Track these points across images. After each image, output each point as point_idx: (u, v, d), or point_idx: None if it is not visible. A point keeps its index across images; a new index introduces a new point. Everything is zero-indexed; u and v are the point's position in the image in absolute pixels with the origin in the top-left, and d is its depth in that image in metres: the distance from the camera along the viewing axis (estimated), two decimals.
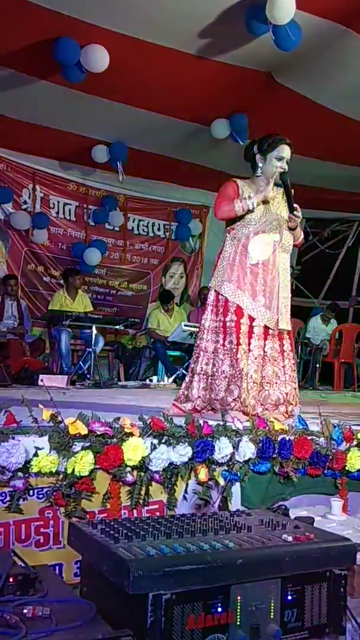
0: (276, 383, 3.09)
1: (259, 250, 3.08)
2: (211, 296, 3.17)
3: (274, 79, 5.85)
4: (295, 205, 3.08)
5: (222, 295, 3.09)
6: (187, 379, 3.24)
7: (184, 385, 3.26)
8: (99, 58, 5.23)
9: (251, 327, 3.05)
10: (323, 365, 8.09)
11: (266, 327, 3.07)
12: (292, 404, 3.10)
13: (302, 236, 3.34)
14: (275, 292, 3.09)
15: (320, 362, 8.06)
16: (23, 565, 1.69)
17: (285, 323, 3.12)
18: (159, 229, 8.95)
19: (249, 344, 3.04)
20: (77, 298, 7.09)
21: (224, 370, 3.04)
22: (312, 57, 5.33)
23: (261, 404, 3.04)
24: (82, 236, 8.24)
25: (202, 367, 3.13)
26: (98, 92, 5.95)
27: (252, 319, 3.05)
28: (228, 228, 3.17)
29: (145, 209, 8.76)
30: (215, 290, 3.14)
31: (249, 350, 3.03)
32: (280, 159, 3.09)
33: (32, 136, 6.88)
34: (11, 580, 1.55)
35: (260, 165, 3.13)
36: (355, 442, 2.70)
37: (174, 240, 9.03)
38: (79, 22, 4.95)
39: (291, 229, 3.16)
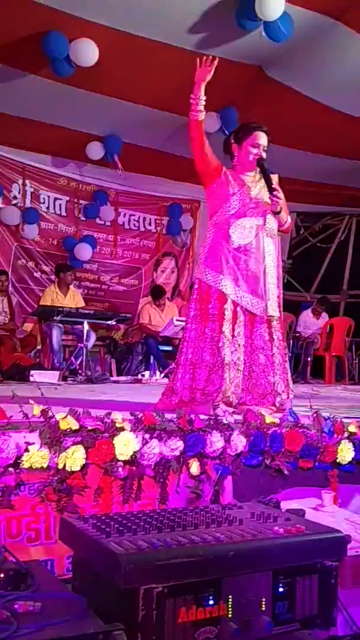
0: (263, 372, 3.05)
1: (240, 234, 3.06)
2: (196, 285, 3.16)
3: (264, 72, 5.84)
4: (274, 186, 3.05)
5: (204, 282, 3.07)
6: (173, 371, 3.21)
7: (171, 377, 3.22)
8: (88, 52, 5.21)
9: (235, 313, 3.01)
10: (314, 358, 8.12)
11: (252, 314, 3.04)
12: (280, 395, 3.05)
13: (289, 220, 3.28)
14: (261, 277, 3.06)
15: (312, 355, 8.08)
16: (14, 560, 1.69)
17: (273, 309, 3.08)
18: (150, 224, 8.93)
19: (233, 330, 3.00)
20: (69, 293, 7.06)
21: (204, 359, 3.00)
22: (302, 50, 5.33)
23: (249, 393, 3.02)
24: (72, 231, 8.21)
25: (187, 357, 3.09)
26: (88, 86, 5.92)
27: (235, 304, 3.02)
28: (211, 214, 3.16)
29: (137, 204, 8.74)
30: (198, 279, 3.13)
31: (233, 336, 3.00)
32: (255, 146, 3.07)
33: (21, 130, 6.83)
34: (2, 575, 1.55)
35: (235, 154, 3.14)
36: (346, 435, 2.71)
37: (165, 235, 9.02)
38: (68, 16, 4.93)
39: (276, 213, 3.12)
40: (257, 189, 3.13)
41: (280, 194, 3.09)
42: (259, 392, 3.04)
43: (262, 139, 3.10)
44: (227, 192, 3.08)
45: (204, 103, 3.02)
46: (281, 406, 3.03)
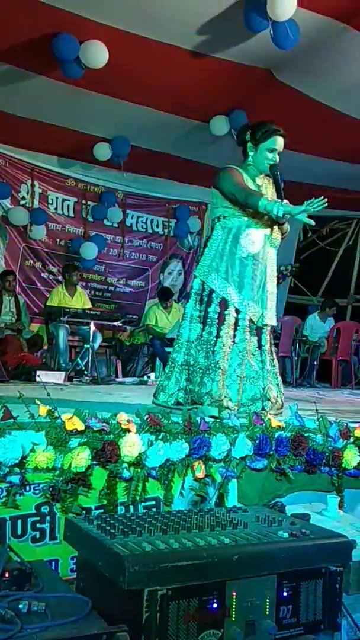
0: (253, 377, 3.04)
1: (250, 243, 3.04)
2: (196, 284, 3.12)
3: (274, 76, 5.84)
4: (285, 200, 3.03)
5: (207, 285, 3.05)
6: (166, 369, 3.17)
7: (162, 375, 3.18)
8: (97, 54, 5.22)
9: (237, 320, 3.01)
10: (321, 362, 8.09)
11: (251, 321, 3.04)
12: (270, 401, 3.03)
13: (288, 230, 3.26)
14: (262, 286, 3.07)
15: (318, 359, 8.06)
16: (19, 560, 1.69)
17: (270, 318, 3.10)
18: (157, 226, 8.94)
19: (234, 336, 3.00)
20: (76, 294, 7.08)
21: (199, 362, 2.99)
22: (311, 54, 5.32)
23: (238, 396, 3.00)
24: (80, 232, 8.23)
25: (183, 358, 3.08)
26: (97, 88, 5.93)
27: (238, 311, 3.01)
28: (218, 216, 3.12)
29: (144, 206, 8.74)
30: (200, 279, 3.09)
31: (234, 342, 2.99)
32: (272, 150, 3.05)
33: (30, 132, 6.85)
34: (7, 575, 1.55)
35: (251, 154, 3.11)
36: (351, 440, 2.70)
37: (172, 237, 9.02)
38: (78, 18, 4.94)
39: (281, 224, 3.12)
40: (269, 195, 3.12)
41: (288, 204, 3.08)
42: (247, 397, 3.03)
43: (280, 143, 3.07)
44: None
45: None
46: (269, 411, 3.00)
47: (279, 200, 2.98)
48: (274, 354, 3.21)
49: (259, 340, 3.09)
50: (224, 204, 3.09)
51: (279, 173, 3.06)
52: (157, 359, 7.23)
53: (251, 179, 3.11)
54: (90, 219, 8.29)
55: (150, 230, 8.88)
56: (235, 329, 3.00)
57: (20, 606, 1.44)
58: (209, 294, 3.04)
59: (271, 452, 2.48)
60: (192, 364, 3.04)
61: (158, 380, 3.21)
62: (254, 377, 3.05)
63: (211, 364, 2.95)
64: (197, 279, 3.12)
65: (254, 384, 3.05)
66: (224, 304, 3.00)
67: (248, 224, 3.06)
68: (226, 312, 3.00)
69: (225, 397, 2.92)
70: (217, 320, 2.99)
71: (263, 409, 3.02)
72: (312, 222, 2.93)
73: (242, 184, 3.02)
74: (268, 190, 3.14)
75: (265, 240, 3.09)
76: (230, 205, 3.07)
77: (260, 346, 3.09)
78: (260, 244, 3.07)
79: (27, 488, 1.98)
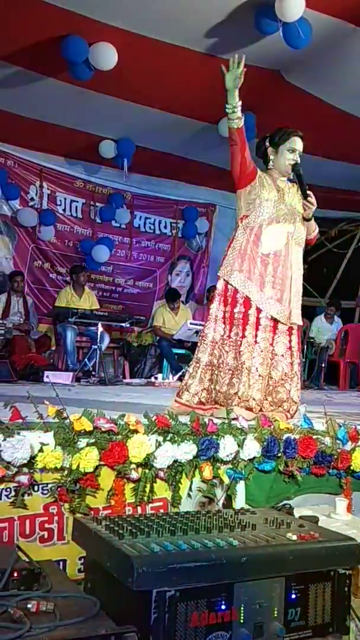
0: (282, 379, 3.05)
1: (272, 240, 3.03)
2: (220, 285, 3.10)
3: (283, 77, 5.83)
4: (309, 192, 3.04)
5: (230, 285, 3.04)
6: (190, 369, 3.15)
7: (187, 375, 3.16)
8: (107, 56, 5.23)
9: (258, 319, 3.00)
10: (329, 365, 8.07)
11: (275, 321, 3.04)
12: (295, 402, 3.07)
13: (316, 230, 3.30)
14: (288, 284, 3.06)
15: (326, 361, 8.03)
16: (27, 560, 1.70)
17: (297, 317, 3.09)
18: (165, 227, 8.94)
19: (256, 336, 2.99)
20: (84, 295, 7.10)
21: (228, 363, 2.99)
22: (321, 55, 5.31)
23: (267, 400, 3.02)
24: (88, 233, 8.25)
25: (208, 358, 3.06)
26: (106, 90, 5.95)
27: (259, 310, 3.00)
28: (241, 217, 3.12)
29: (152, 207, 8.75)
30: (224, 280, 3.08)
31: (255, 342, 2.99)
32: (292, 150, 3.08)
33: (39, 133, 6.88)
34: (15, 575, 1.56)
35: (272, 157, 3.13)
36: None
37: (180, 238, 9.03)
38: (87, 20, 4.95)
39: (305, 220, 3.13)
40: (291, 194, 3.14)
41: (314, 200, 3.09)
42: (276, 399, 3.04)
43: (299, 144, 3.10)
44: (261, 197, 3.06)
45: (240, 109, 3.02)
46: (294, 412, 3.04)
47: (303, 194, 3.05)
48: (299, 357, 3.21)
49: (290, 342, 3.09)
50: (246, 203, 3.09)
51: (301, 171, 3.07)
52: (165, 360, 7.23)
53: (273, 183, 3.12)
54: (99, 220, 8.31)
55: (158, 232, 8.89)
56: (257, 328, 3.00)
57: (29, 606, 1.44)
58: (234, 295, 3.03)
59: (279, 454, 2.48)
60: (216, 364, 3.04)
61: (183, 379, 3.20)
62: (283, 379, 3.05)
63: (239, 364, 2.96)
64: (221, 279, 3.10)
65: (284, 387, 3.05)
66: (248, 302, 3.00)
67: (269, 221, 3.05)
68: (250, 312, 3.00)
69: (250, 397, 2.93)
70: (242, 321, 2.99)
71: (289, 410, 3.03)
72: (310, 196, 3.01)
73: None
74: (290, 194, 3.15)
75: (289, 238, 3.08)
76: (249, 203, 3.07)
77: (290, 347, 3.09)
78: (282, 242, 3.06)
79: (36, 488, 1.99)
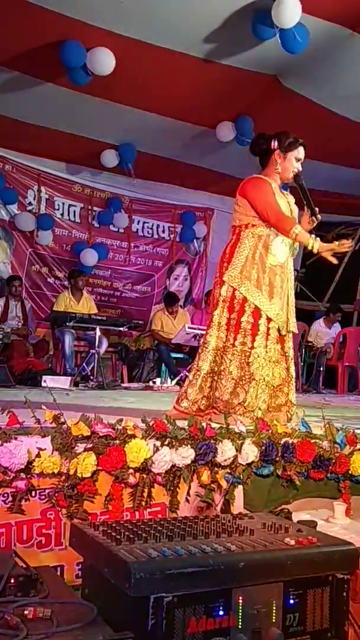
0: (280, 384, 3.07)
1: (280, 252, 3.04)
2: (227, 292, 3.03)
3: (280, 82, 5.85)
4: (316, 208, 3.05)
5: (239, 292, 3.00)
6: (190, 376, 3.13)
7: (186, 382, 3.16)
8: (104, 61, 5.24)
9: (268, 329, 3.00)
10: (327, 368, 8.06)
11: (278, 331, 3.05)
12: (294, 404, 3.09)
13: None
14: (286, 294, 3.09)
15: (324, 365, 8.03)
16: (24, 566, 1.69)
17: (293, 325, 3.12)
18: (163, 231, 8.95)
19: (266, 346, 2.98)
20: (82, 300, 7.10)
21: (231, 371, 2.97)
22: (318, 60, 5.33)
23: (267, 407, 3.03)
24: (86, 238, 8.25)
25: (210, 366, 3.04)
26: (104, 94, 5.96)
27: (269, 320, 3.00)
28: (246, 223, 3.06)
29: (150, 211, 8.77)
30: (231, 286, 3.02)
31: (266, 352, 2.98)
32: (298, 159, 3.09)
33: (37, 138, 6.89)
34: (12, 581, 1.55)
35: (279, 161, 3.09)
36: (358, 446, 2.69)
37: (178, 243, 9.04)
38: (85, 25, 4.97)
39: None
40: (291, 204, 3.15)
41: (320, 217, 3.08)
42: (275, 403, 3.06)
43: (303, 153, 3.11)
44: None
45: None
46: (292, 415, 3.06)
47: (310, 209, 3.04)
48: (292, 360, 3.21)
49: (282, 348, 3.09)
50: (253, 213, 3.06)
51: (303, 181, 3.07)
52: (163, 364, 7.22)
53: (279, 191, 3.11)
54: (96, 225, 8.32)
55: (156, 236, 8.90)
56: (267, 339, 2.99)
57: (26, 612, 1.43)
58: (242, 303, 3.00)
59: (277, 459, 2.47)
60: (217, 372, 3.02)
61: (182, 385, 3.21)
62: (280, 384, 3.07)
63: (245, 374, 2.93)
64: (227, 285, 3.03)
65: (281, 391, 3.07)
66: (257, 312, 2.97)
67: (277, 233, 3.04)
68: (260, 322, 2.97)
69: (257, 407, 2.93)
70: (251, 331, 2.96)
71: (288, 413, 3.05)
72: (336, 261, 3.04)
73: (276, 205, 3.01)
74: (290, 203, 3.15)
75: (290, 249, 3.10)
76: (257, 215, 3.06)
77: (284, 353, 3.10)
78: (287, 253, 3.09)
79: (33, 493, 1.98)
